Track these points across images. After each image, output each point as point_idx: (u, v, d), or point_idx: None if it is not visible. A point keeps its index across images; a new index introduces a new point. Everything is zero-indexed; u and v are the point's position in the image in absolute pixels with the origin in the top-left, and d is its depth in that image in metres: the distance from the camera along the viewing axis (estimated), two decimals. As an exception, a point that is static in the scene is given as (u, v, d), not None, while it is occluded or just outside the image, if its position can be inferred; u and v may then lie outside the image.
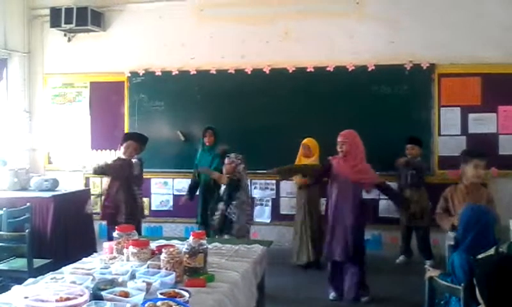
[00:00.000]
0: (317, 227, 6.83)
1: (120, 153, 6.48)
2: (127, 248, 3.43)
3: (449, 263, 3.59)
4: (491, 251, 3.29)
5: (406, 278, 6.32)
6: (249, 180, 6.89)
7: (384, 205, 7.51)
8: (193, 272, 3.25)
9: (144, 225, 7.30)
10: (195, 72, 8.15)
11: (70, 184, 7.79)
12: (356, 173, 5.46)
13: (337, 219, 5.51)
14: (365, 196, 5.83)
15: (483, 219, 3.64)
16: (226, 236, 5.52)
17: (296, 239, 6.95)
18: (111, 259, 3.43)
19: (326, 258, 5.75)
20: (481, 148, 6.72)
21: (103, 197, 6.86)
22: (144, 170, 7.22)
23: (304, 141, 6.91)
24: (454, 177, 7.01)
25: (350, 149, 5.47)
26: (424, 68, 7.51)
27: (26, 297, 2.63)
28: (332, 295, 5.68)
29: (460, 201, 4.73)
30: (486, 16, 7.40)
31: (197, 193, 7.19)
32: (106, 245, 3.69)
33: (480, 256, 3.23)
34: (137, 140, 6.56)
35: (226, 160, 5.91)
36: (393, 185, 7.27)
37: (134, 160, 6.45)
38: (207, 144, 7.07)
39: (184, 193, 7.58)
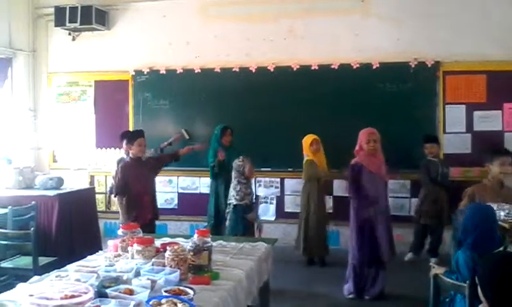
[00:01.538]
0: (320, 224, 6.83)
1: (132, 152, 5.99)
2: (132, 246, 3.44)
3: (454, 260, 3.58)
4: (500, 251, 3.27)
5: (412, 276, 6.30)
6: (253, 178, 6.92)
7: (390, 203, 7.49)
8: (198, 269, 3.24)
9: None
10: (200, 71, 8.15)
11: (74, 182, 7.82)
12: (387, 172, 5.55)
13: (382, 220, 5.45)
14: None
15: (488, 216, 3.63)
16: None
17: (300, 235, 6.95)
18: (115, 257, 3.44)
19: (363, 260, 5.50)
20: (488, 145, 6.71)
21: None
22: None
23: (313, 137, 6.84)
24: (456, 174, 7.04)
25: (378, 148, 5.48)
26: (429, 65, 7.49)
27: (31, 295, 2.64)
28: (351, 295, 5.64)
29: (493, 198, 4.70)
30: (491, 13, 7.37)
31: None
32: (111, 243, 3.70)
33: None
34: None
35: (248, 164, 5.72)
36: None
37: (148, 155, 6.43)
38: (226, 143, 6.99)
39: (190, 191, 7.74)
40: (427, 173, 6.99)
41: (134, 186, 5.82)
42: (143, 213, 5.73)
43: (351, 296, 5.62)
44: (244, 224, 5.70)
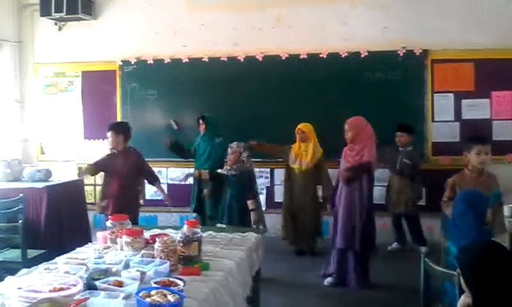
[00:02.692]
0: (311, 214, 6.85)
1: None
2: (121, 237, 3.42)
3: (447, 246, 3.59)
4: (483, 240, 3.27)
5: (400, 265, 6.37)
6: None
7: (377, 192, 7.50)
8: (188, 260, 3.24)
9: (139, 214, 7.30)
10: (187, 60, 8.11)
11: (63, 174, 7.74)
12: (356, 162, 5.47)
13: (342, 207, 5.53)
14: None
15: (476, 202, 3.65)
16: None
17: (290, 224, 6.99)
18: (104, 248, 3.42)
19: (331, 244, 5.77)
20: (479, 133, 6.73)
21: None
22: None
23: (299, 126, 6.88)
24: (445, 163, 7.10)
25: (355, 137, 5.47)
26: (417, 54, 7.50)
27: (19, 288, 2.62)
28: (328, 281, 5.70)
29: (471, 187, 4.72)
30: (479, 1, 7.39)
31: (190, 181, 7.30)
32: (100, 234, 3.68)
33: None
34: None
35: (229, 151, 5.97)
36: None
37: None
38: (201, 132, 7.10)
39: (177, 182, 7.94)
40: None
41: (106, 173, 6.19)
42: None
43: (326, 283, 5.70)
44: None
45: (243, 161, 5.93)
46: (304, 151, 6.87)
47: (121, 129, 6.21)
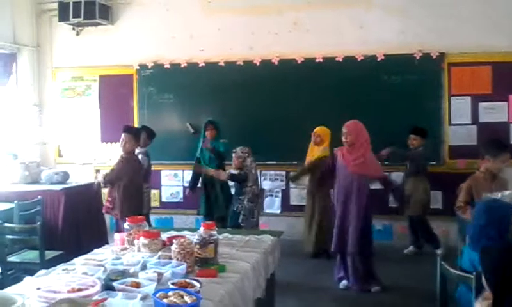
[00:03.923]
0: (323, 217, 6.83)
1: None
2: (138, 239, 3.45)
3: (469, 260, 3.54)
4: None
5: (416, 268, 6.32)
6: (258, 171, 6.88)
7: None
8: (204, 262, 3.25)
9: (154, 217, 7.35)
10: (204, 64, 8.15)
11: (80, 177, 7.83)
12: (357, 166, 5.47)
13: (339, 211, 5.59)
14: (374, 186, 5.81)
15: (498, 217, 3.61)
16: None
17: (304, 228, 6.99)
18: (122, 250, 3.46)
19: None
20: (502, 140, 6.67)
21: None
22: (154, 162, 7.28)
23: (315, 129, 6.89)
24: (462, 166, 7.04)
25: (354, 141, 5.50)
26: (434, 57, 7.46)
27: (38, 288, 2.65)
28: (343, 283, 5.70)
29: (487, 188, 4.71)
30: (496, 4, 7.34)
31: (199, 185, 7.23)
32: (117, 236, 3.71)
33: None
34: (130, 133, 6.12)
35: (233, 155, 6.06)
36: (399, 175, 7.29)
37: (140, 156, 6.46)
38: (209, 137, 7.02)
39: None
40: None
41: None
42: None
43: (341, 287, 5.70)
44: None
45: (247, 166, 6.03)
46: (312, 153, 6.90)
47: (128, 133, 6.08)
